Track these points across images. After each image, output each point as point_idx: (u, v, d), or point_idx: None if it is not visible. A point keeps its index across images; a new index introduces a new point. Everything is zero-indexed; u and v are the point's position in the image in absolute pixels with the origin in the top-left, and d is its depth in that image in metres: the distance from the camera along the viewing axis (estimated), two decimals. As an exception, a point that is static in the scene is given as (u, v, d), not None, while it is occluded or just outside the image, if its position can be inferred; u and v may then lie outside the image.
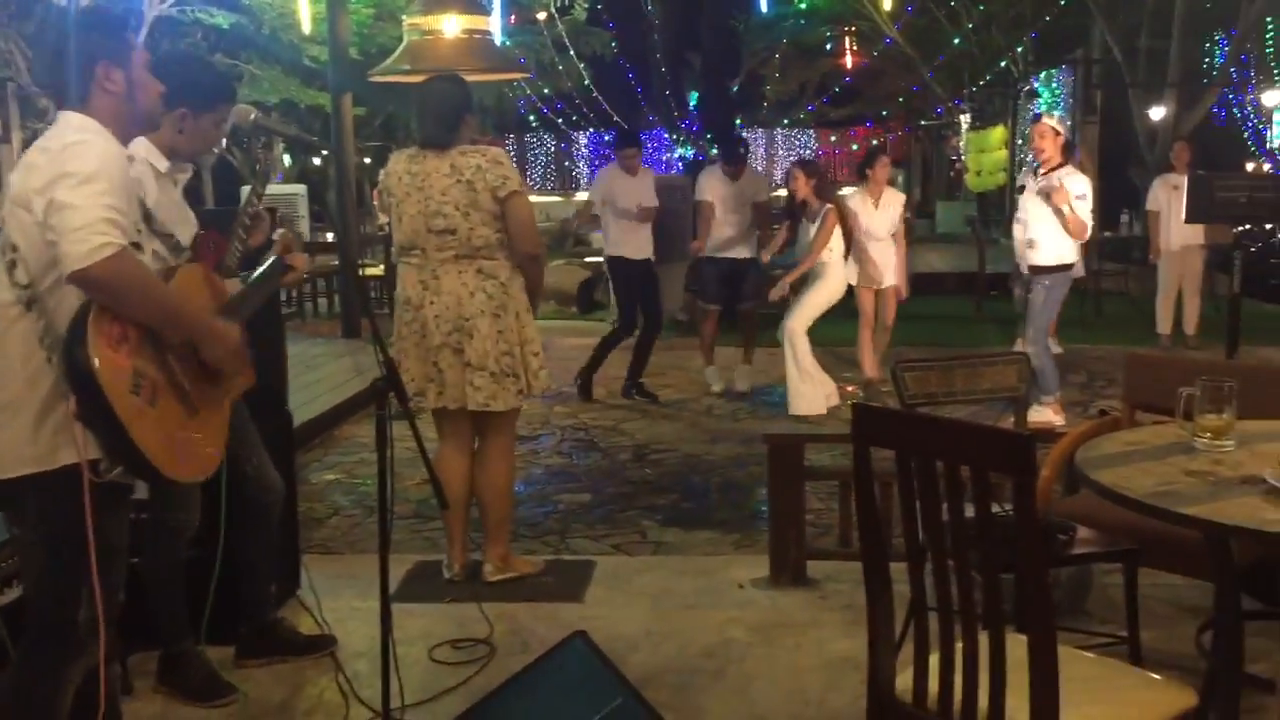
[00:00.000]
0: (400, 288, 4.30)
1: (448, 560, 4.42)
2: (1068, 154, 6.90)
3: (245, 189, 3.35)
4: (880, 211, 8.22)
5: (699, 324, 8.79)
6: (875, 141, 28.26)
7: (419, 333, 4.20)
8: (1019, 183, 7.19)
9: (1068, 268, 6.89)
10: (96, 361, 2.37)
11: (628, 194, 8.16)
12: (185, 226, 3.33)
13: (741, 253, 8.24)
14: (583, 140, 31.01)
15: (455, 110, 4.18)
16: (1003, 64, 18.96)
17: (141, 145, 3.26)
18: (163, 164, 3.27)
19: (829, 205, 7.52)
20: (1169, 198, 9.74)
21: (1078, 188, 6.72)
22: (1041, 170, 6.82)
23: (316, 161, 24.17)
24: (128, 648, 3.44)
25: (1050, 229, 6.74)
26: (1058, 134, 6.83)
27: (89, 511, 2.42)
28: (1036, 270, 6.84)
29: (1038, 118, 7.05)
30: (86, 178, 2.37)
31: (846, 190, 9.11)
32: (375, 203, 4.37)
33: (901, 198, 8.58)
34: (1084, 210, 6.71)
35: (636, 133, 8.89)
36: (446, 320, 4.16)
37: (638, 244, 8.20)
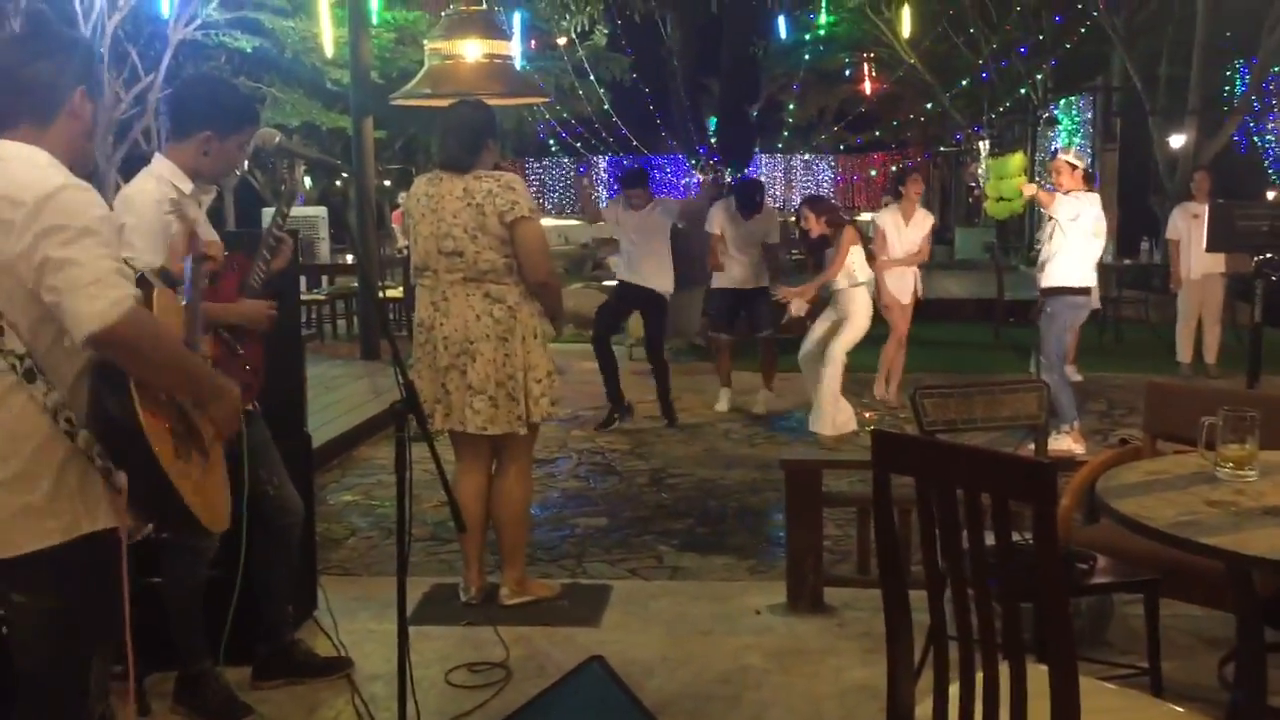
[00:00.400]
0: (416, 309, 4.34)
1: (464, 583, 4.41)
2: (1089, 184, 6.96)
3: (268, 210, 3.38)
4: (910, 229, 8.32)
5: (714, 352, 8.84)
6: (895, 169, 28.27)
7: (431, 354, 4.24)
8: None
9: (1075, 292, 6.90)
10: (149, 433, 2.27)
11: (634, 226, 8.26)
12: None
13: (749, 283, 8.33)
14: (601, 164, 31.16)
15: (476, 135, 4.20)
16: (1022, 91, 18.95)
17: (165, 167, 3.29)
18: (187, 186, 3.29)
19: (844, 226, 7.56)
20: (1189, 226, 9.71)
21: (1070, 203, 6.82)
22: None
23: (337, 184, 24.33)
24: (145, 668, 3.45)
25: (1057, 252, 6.82)
26: (1074, 168, 6.88)
27: (125, 576, 2.35)
28: (1043, 293, 6.93)
29: (1055, 153, 7.16)
30: (82, 230, 2.19)
31: (867, 216, 9.11)
32: (395, 225, 4.36)
33: (931, 220, 8.68)
34: (1077, 227, 6.81)
35: (644, 172, 9.01)
36: (454, 342, 4.18)
37: (644, 272, 8.25)
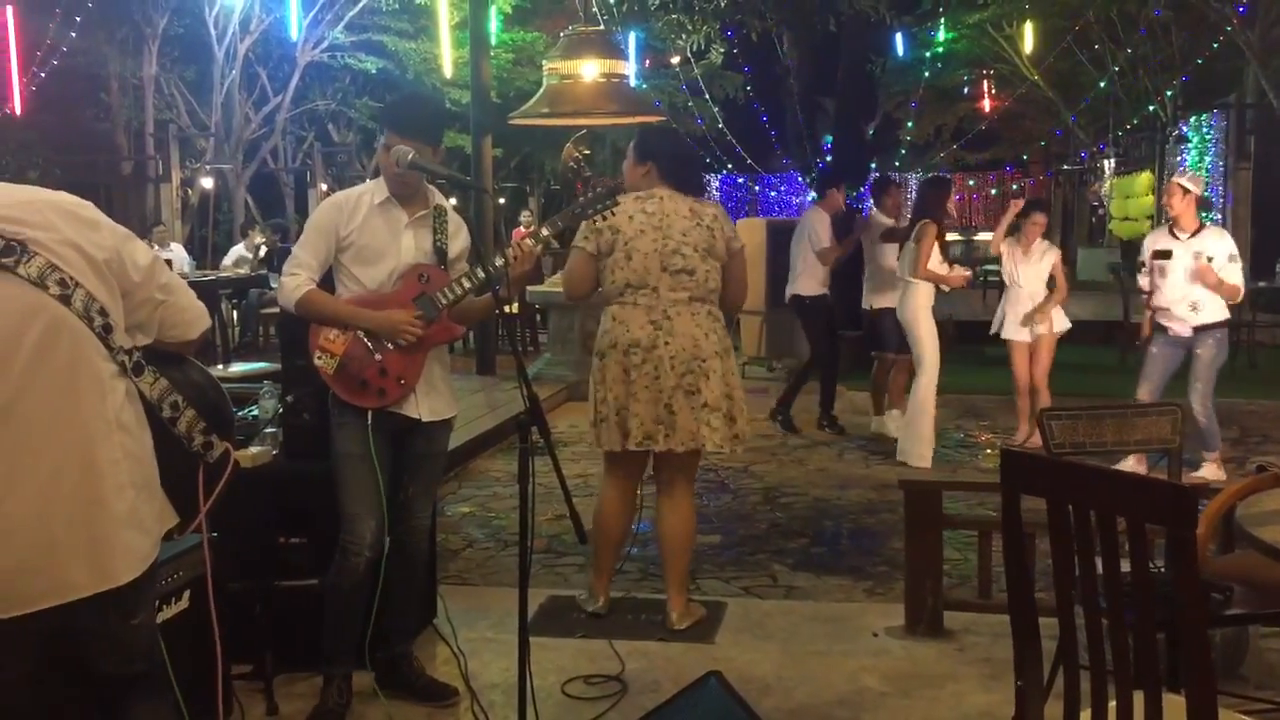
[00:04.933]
0: (620, 329, 4.20)
1: (591, 593, 4.45)
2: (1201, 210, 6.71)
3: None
4: (1028, 261, 7.99)
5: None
6: (1015, 186, 27.70)
7: (652, 374, 4.14)
8: (1153, 246, 6.90)
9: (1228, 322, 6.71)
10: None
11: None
12: (395, 256, 3.46)
13: (879, 302, 8.27)
14: (714, 182, 31.17)
15: (701, 170, 4.70)
16: (1150, 108, 18.41)
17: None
18: (382, 194, 3.47)
19: (925, 221, 7.38)
20: (1330, 247, 9.32)
21: (1226, 248, 6.56)
22: (1179, 231, 6.64)
23: (453, 201, 24.81)
24: (274, 669, 3.55)
25: (1206, 289, 6.58)
26: (1187, 192, 6.61)
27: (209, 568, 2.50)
28: (1204, 329, 6.62)
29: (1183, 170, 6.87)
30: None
31: (985, 236, 8.92)
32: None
33: (1056, 253, 8.27)
34: (1234, 272, 6.55)
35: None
36: (681, 361, 4.15)
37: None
